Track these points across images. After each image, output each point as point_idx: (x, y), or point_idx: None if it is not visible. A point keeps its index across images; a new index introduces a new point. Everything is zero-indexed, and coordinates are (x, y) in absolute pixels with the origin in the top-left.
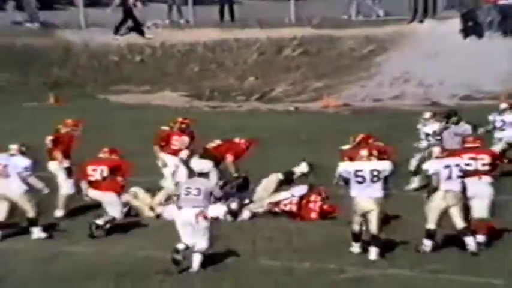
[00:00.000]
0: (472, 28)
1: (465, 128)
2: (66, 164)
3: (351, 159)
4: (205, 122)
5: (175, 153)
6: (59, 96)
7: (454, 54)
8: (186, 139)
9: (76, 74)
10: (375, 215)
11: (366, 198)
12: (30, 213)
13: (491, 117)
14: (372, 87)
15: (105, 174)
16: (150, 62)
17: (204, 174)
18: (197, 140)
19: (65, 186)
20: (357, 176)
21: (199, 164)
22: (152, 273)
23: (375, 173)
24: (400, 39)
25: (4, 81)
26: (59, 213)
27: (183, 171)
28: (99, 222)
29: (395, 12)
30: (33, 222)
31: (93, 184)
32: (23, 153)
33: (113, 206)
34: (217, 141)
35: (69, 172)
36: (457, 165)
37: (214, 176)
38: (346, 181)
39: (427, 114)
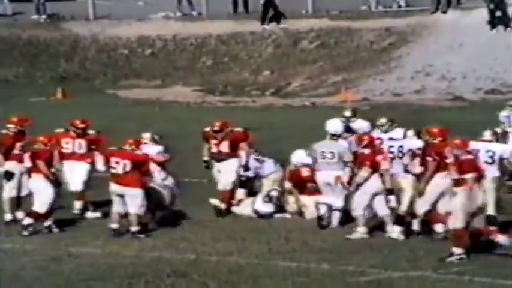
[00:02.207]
0: (499, 19)
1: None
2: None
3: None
4: (218, 117)
5: (63, 156)
6: (67, 90)
7: (479, 46)
8: (82, 143)
9: (84, 68)
10: (407, 196)
11: (400, 176)
12: (166, 201)
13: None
14: (392, 81)
15: (128, 168)
16: (161, 55)
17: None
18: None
19: (7, 189)
20: (389, 152)
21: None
22: (164, 275)
23: (400, 148)
24: (422, 30)
25: (10, 75)
26: (8, 217)
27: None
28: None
29: (417, 2)
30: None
31: (115, 178)
32: (155, 141)
33: (136, 201)
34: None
35: (8, 175)
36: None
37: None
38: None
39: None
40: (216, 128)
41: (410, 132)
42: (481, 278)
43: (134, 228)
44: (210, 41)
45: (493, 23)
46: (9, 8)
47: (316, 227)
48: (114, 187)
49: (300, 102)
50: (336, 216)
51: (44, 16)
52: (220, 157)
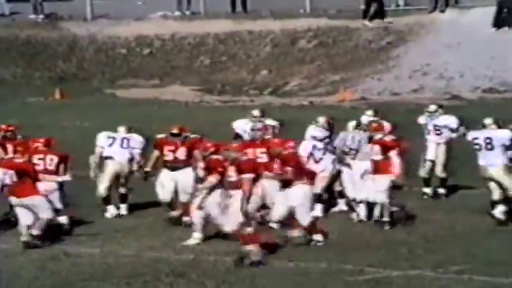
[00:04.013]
0: (503, 20)
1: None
2: None
3: None
4: (216, 117)
5: None
6: (65, 91)
7: (477, 45)
8: (10, 148)
9: (82, 68)
10: (506, 181)
11: (489, 166)
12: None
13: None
14: (390, 80)
15: (14, 178)
16: (159, 55)
17: None
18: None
19: None
20: (475, 144)
21: None
22: (163, 275)
23: (488, 140)
24: (420, 30)
25: (8, 75)
26: None
27: None
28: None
29: (415, 1)
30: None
31: (10, 189)
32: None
33: (41, 207)
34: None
35: None
36: None
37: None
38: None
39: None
40: (174, 131)
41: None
42: (480, 276)
43: (35, 232)
44: (208, 40)
45: (497, 23)
46: (7, 7)
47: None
48: (13, 199)
49: (298, 102)
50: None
51: (41, 16)
52: (176, 165)
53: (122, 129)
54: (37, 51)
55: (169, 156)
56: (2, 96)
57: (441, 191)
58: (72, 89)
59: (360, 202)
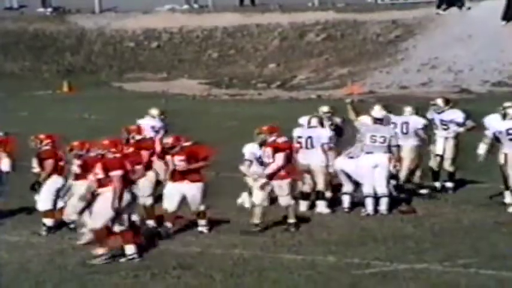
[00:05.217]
0: None
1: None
2: None
3: None
4: (223, 110)
5: None
6: (73, 84)
7: (486, 38)
8: None
9: (90, 61)
10: None
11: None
12: (320, 186)
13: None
14: (398, 73)
15: None
16: (167, 48)
17: None
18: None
19: None
20: (508, 134)
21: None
22: (170, 268)
23: None
24: (428, 23)
25: (16, 69)
26: None
27: None
28: None
29: None
30: (319, 196)
31: None
32: (322, 124)
33: None
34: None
35: None
36: None
37: None
38: (498, 139)
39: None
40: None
41: None
42: (487, 270)
43: None
44: (216, 34)
45: (507, 16)
46: (15, 1)
47: (322, 218)
48: None
49: (305, 95)
50: (384, 202)
51: (49, 9)
52: None
53: (151, 113)
54: (45, 45)
55: None
56: (10, 89)
57: (449, 185)
58: (80, 82)
59: (367, 196)
